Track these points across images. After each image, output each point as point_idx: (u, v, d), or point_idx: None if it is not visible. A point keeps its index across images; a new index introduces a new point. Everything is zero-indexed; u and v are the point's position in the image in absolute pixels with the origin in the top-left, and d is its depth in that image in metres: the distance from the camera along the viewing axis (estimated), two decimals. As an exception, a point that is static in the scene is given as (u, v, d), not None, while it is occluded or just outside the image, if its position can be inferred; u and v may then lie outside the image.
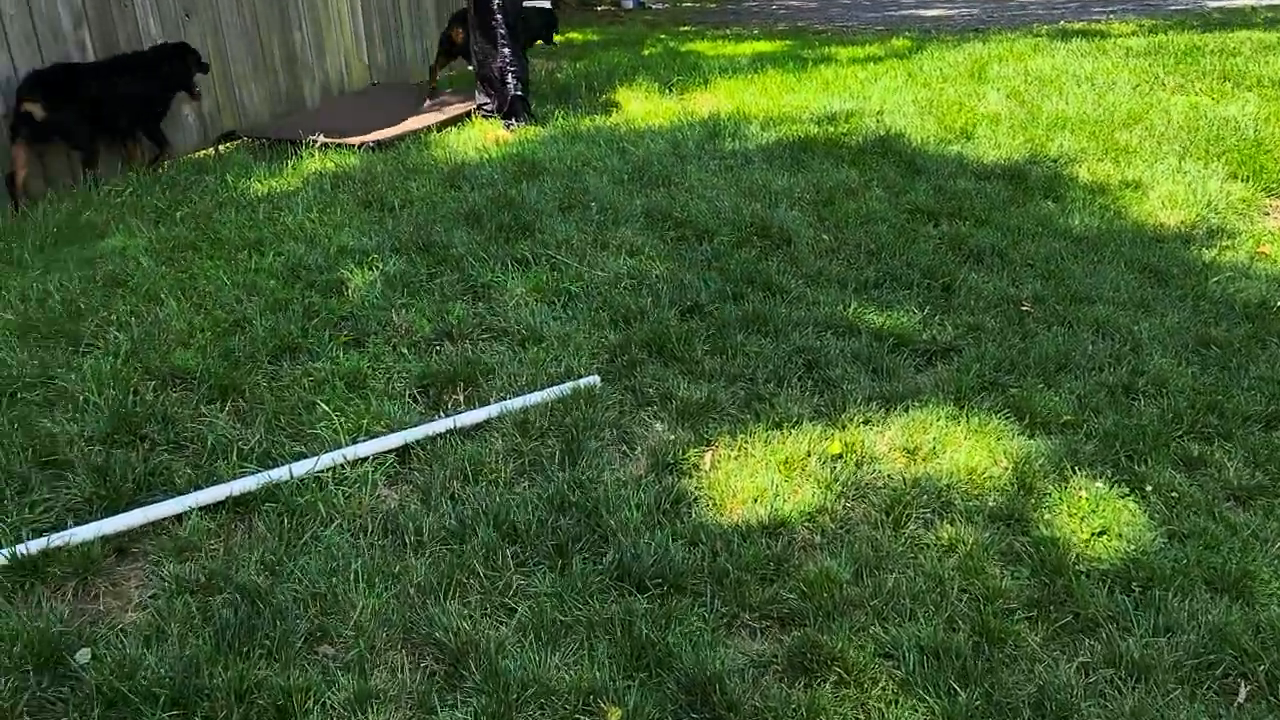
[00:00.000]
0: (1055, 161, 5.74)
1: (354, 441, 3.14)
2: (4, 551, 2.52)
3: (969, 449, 3.27)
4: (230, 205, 5.22)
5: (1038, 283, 4.38)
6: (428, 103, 7.89)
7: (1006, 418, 3.42)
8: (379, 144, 6.53)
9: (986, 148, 5.96)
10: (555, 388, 3.45)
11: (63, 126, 5.49)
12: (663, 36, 12.62)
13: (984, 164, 5.68)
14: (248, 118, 7.19)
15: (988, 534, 2.90)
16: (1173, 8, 13.10)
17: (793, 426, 3.33)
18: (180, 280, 4.17)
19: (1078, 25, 11.00)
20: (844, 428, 3.36)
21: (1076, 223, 4.97)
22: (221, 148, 6.82)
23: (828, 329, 3.94)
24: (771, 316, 3.96)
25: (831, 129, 6.41)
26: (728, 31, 13.06)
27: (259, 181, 5.66)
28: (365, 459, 3.06)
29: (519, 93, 7.06)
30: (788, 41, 11.27)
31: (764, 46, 10.75)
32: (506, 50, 6.97)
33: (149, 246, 4.59)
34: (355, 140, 6.55)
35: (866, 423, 3.40)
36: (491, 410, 3.32)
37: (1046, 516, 2.99)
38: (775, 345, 3.80)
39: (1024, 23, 12.44)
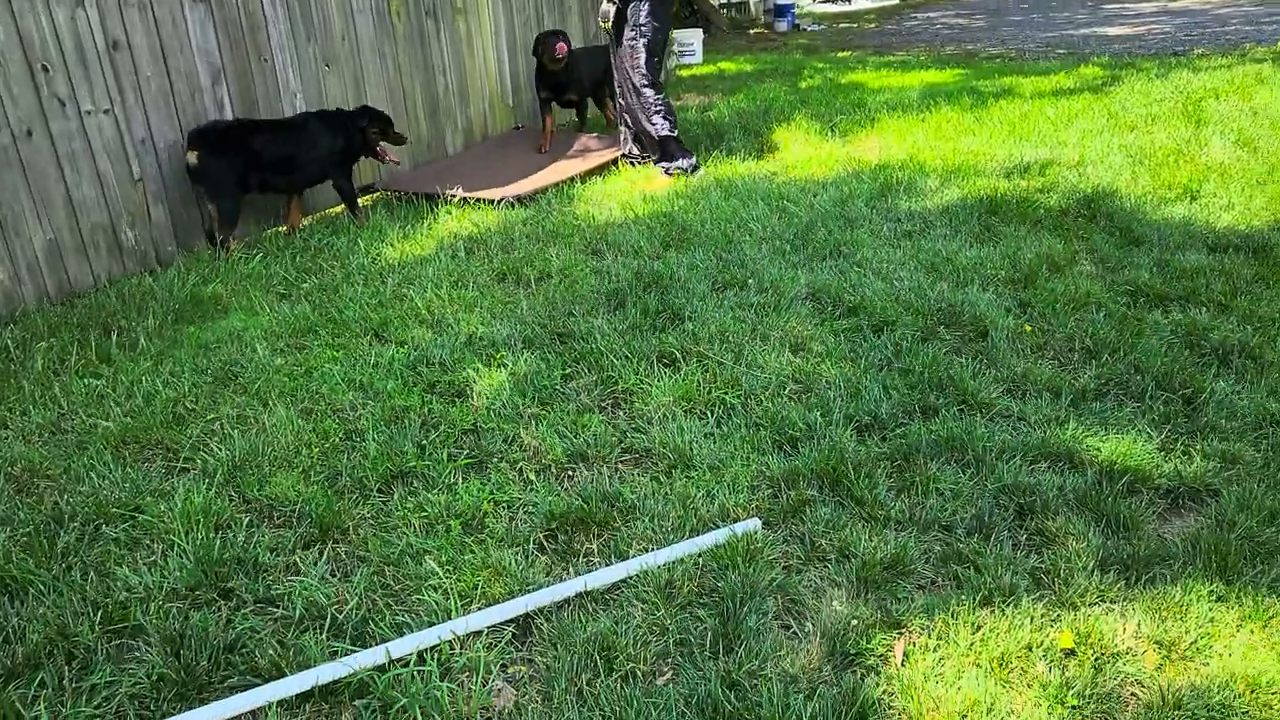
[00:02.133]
0: (1307, 227, 4.80)
1: (466, 605, 2.62)
2: (44, 769, 2.10)
3: (1245, 647, 2.50)
4: (358, 276, 4.85)
5: (1307, 396, 3.52)
6: (574, 148, 7.46)
7: (1292, 600, 2.63)
8: (519, 199, 6.11)
9: (1218, 210, 5.05)
10: (708, 536, 2.85)
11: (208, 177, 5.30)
12: (820, 65, 11.92)
13: (1216, 231, 4.79)
14: (388, 169, 6.90)
15: (1288, 789, 2.14)
16: None
17: (1006, 602, 2.63)
18: (294, 376, 3.78)
19: (1300, 47, 9.73)
20: (1074, 607, 2.63)
21: (1347, 310, 4.06)
22: (360, 201, 6.53)
23: (1041, 458, 3.21)
24: (970, 440, 3.25)
25: (1023, 184, 5.61)
26: (892, 58, 12.25)
27: (391, 246, 5.30)
28: (479, 633, 2.54)
29: (670, 133, 6.55)
30: (959, 70, 10.39)
31: (934, 76, 9.92)
32: (650, 91, 6.47)
33: (268, 329, 4.24)
34: (495, 194, 6.16)
35: (1101, 599, 2.66)
36: (630, 567, 2.74)
37: (1367, 763, 2.20)
38: (976, 481, 3.09)
39: (1230, 42, 11.17)
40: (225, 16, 5.58)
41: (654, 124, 6.51)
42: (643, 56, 6.42)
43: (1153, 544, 2.84)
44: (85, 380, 3.86)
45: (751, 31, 18.38)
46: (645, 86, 6.49)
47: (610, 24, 6.55)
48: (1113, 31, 14.18)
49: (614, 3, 6.41)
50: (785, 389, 3.58)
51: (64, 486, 3.13)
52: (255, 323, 4.35)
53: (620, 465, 3.22)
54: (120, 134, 5.04)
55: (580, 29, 9.30)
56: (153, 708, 2.33)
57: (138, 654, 2.46)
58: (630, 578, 2.72)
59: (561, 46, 7.10)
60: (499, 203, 6.05)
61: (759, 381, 3.61)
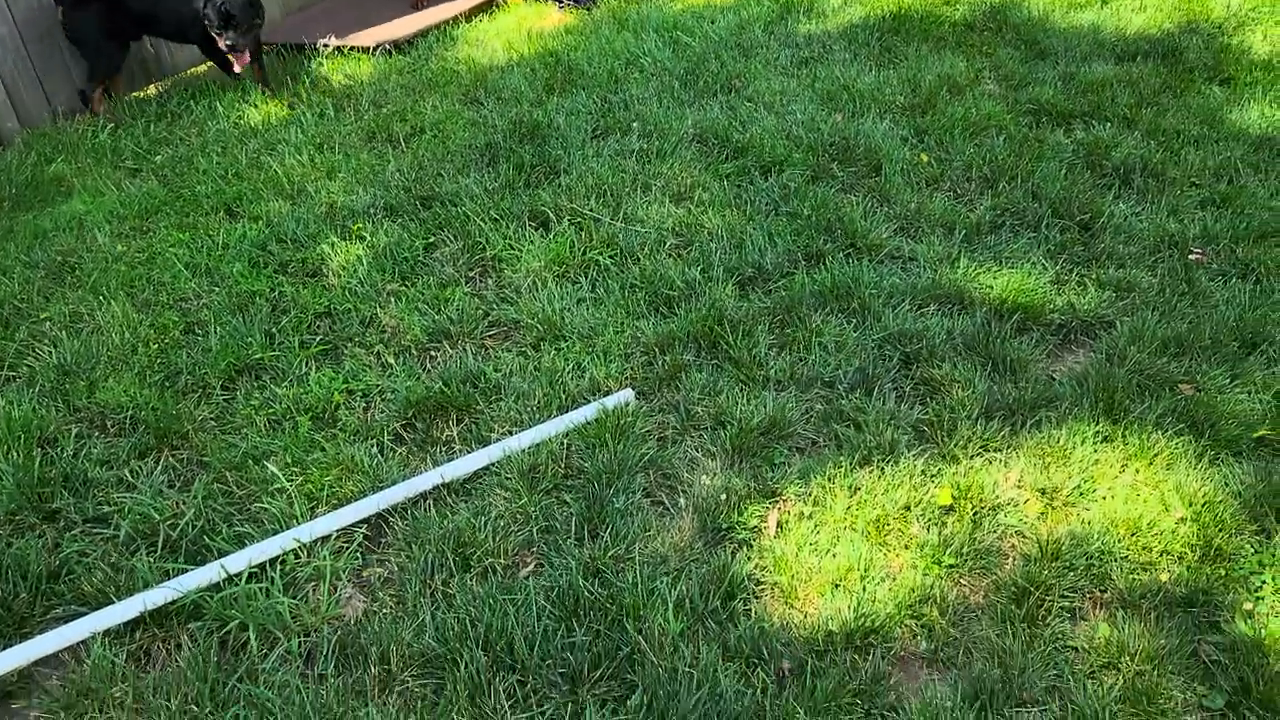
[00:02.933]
0: (1219, 28, 4.54)
1: (313, 509, 2.45)
2: None
3: (1129, 490, 2.42)
4: (215, 145, 4.45)
5: (1207, 214, 3.37)
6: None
7: (1180, 434, 2.54)
8: (396, 44, 5.63)
9: (1128, 13, 4.77)
10: (576, 412, 2.68)
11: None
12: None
13: (1126, 38, 4.52)
14: (256, 19, 6.32)
15: (1163, 633, 2.09)
16: None
17: (885, 460, 2.51)
18: (135, 264, 3.47)
19: None
20: (955, 460, 2.52)
21: (1254, 118, 3.87)
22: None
23: (930, 300, 3.05)
24: (857, 286, 3.07)
25: (929, -2, 5.26)
26: None
27: (254, 108, 4.87)
28: (327, 538, 2.37)
29: None
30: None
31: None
32: None
33: (112, 211, 3.88)
34: (370, 40, 5.66)
35: (985, 449, 2.56)
36: (492, 452, 2.57)
37: (1246, 601, 2.15)
38: (862, 330, 2.93)
39: None
40: None
41: None
42: None
43: (1040, 386, 2.72)
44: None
45: None
46: None
47: None
48: None
49: None
50: (665, 244, 3.34)
51: None
52: (99, 205, 3.97)
53: (486, 341, 3.00)
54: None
55: None
56: (-32, 647, 2.15)
57: (-51, 591, 2.26)
58: (492, 465, 2.55)
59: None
60: (374, 50, 5.56)
61: (637, 238, 3.37)
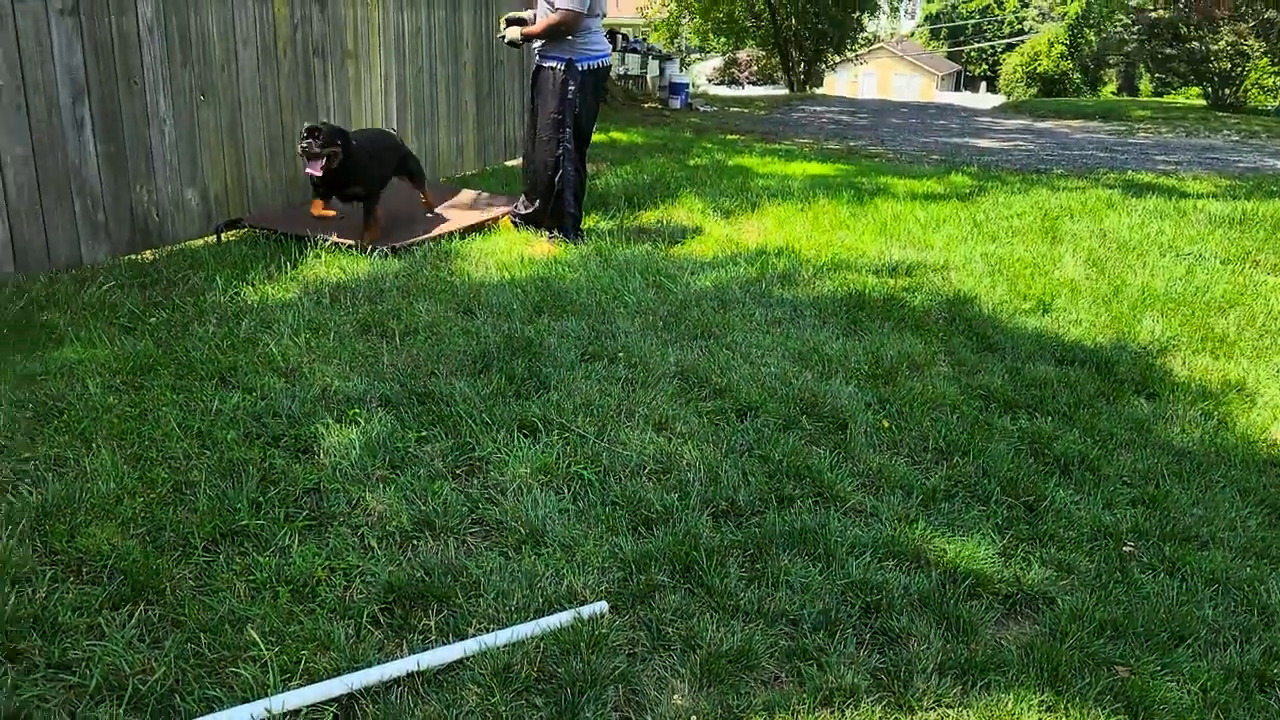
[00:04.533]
0: (1145, 349, 5.07)
1: (287, 681, 2.44)
2: None
3: (1072, 761, 2.54)
4: (211, 315, 4.62)
5: (1138, 511, 3.67)
6: (459, 202, 7.36)
7: (1117, 713, 2.69)
8: (394, 249, 5.96)
9: (1067, 324, 5.31)
10: (553, 618, 2.75)
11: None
12: (710, 145, 12.21)
13: (1065, 344, 5.02)
14: (257, 204, 6.66)
15: None
16: (1241, 165, 12.60)
17: (846, 703, 2.61)
18: (126, 417, 3.53)
19: (1147, 177, 10.46)
20: (911, 711, 2.63)
21: (1176, 432, 4.28)
22: (225, 236, 6.27)
23: (890, 556, 3.24)
24: (823, 533, 3.26)
25: (891, 282, 5.79)
26: (778, 146, 12.66)
27: (251, 286, 5.08)
28: (296, 712, 2.36)
29: (573, 210, 6.49)
30: (841, 165, 10.79)
31: (817, 169, 10.27)
32: (569, 166, 6.38)
33: (104, 364, 3.97)
34: (369, 242, 5.99)
35: (939, 703, 2.67)
36: (468, 646, 2.61)
37: None
38: (826, 575, 3.09)
39: (1086, 165, 11.96)
40: (95, 33, 5.31)
41: (565, 199, 6.45)
42: (569, 131, 6.31)
43: (990, 649, 2.88)
44: (-113, 404, 3.52)
45: (645, 105, 18.75)
46: (566, 162, 6.38)
47: (532, 86, 6.44)
48: (983, 144, 15.01)
49: (548, 64, 6.25)
50: (646, 468, 3.53)
51: None
52: (91, 355, 4.06)
53: (469, 537, 3.10)
54: (-36, 142, 4.71)
55: (475, 85, 9.27)
56: (-91, 786, 2.07)
57: (-101, 722, 2.19)
58: (467, 658, 2.59)
59: (314, 167, 5.74)
60: (372, 251, 5.88)
61: (619, 458, 3.55)
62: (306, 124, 5.85)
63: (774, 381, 4.27)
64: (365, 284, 5.21)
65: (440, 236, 6.40)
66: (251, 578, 2.77)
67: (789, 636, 2.85)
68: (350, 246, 5.89)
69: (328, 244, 5.90)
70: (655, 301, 5.17)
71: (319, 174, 5.73)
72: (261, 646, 2.50)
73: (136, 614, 2.60)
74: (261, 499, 3.11)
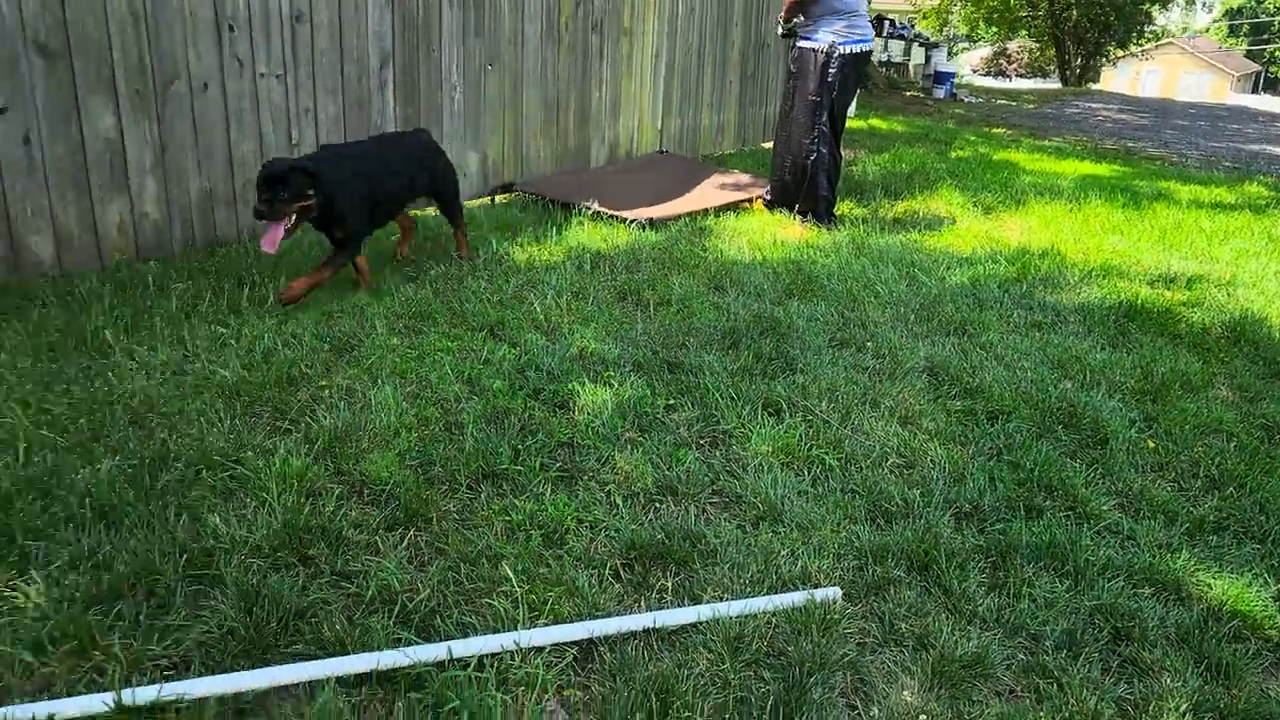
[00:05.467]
0: None
1: (534, 618, 2.61)
2: (109, 696, 2.15)
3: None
4: (483, 271, 4.94)
5: None
6: (714, 181, 7.48)
7: (1401, 790, 2.43)
8: (652, 221, 6.14)
9: (1377, 356, 4.76)
10: (785, 596, 2.79)
11: None
12: (973, 138, 11.72)
13: (1373, 378, 4.50)
14: (529, 171, 7.03)
15: None
16: None
17: (1086, 727, 2.49)
18: (406, 358, 3.86)
19: None
20: (1158, 749, 2.49)
21: None
22: (497, 199, 6.67)
23: (1146, 583, 3.05)
24: (1073, 549, 3.11)
25: (1168, 295, 5.38)
26: (1047, 143, 11.97)
27: (520, 248, 5.38)
28: (540, 649, 2.52)
29: (827, 193, 6.47)
30: (1117, 166, 10.08)
31: (1090, 168, 9.64)
32: (824, 149, 6.38)
33: (389, 308, 4.34)
34: (629, 214, 6.20)
35: (1190, 746, 2.51)
36: (702, 611, 2.70)
37: None
38: (1073, 594, 2.95)
39: None
40: (404, 4, 5.77)
41: (818, 182, 6.44)
42: (826, 115, 6.32)
43: (1254, 699, 2.67)
44: (212, 327, 4.00)
45: (908, 94, 18.21)
46: (821, 144, 6.39)
47: (793, 70, 6.49)
48: (1285, 151, 13.57)
49: (810, 45, 6.32)
50: (887, 460, 3.48)
51: (174, 426, 3.24)
52: (380, 300, 4.45)
53: (709, 507, 3.18)
54: (287, 100, 5.25)
55: (740, 66, 9.33)
56: (218, 658, 2.38)
57: (213, 603, 2.51)
58: (700, 623, 2.67)
59: (271, 237, 4.10)
60: (631, 222, 6.09)
61: (862, 447, 3.53)
62: (263, 167, 4.16)
63: (1029, 387, 4.09)
64: (624, 254, 5.40)
65: (695, 213, 6.52)
66: (508, 518, 2.97)
67: (1028, 651, 2.75)
68: (612, 216, 6.12)
69: (590, 212, 6.15)
70: (908, 293, 5.06)
71: (273, 249, 4.09)
72: (514, 582, 2.68)
73: (407, 538, 2.86)
74: (520, 447, 3.31)
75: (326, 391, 3.56)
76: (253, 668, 2.36)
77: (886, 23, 20.34)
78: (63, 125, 4.36)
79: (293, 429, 3.31)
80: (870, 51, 6.57)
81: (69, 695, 2.19)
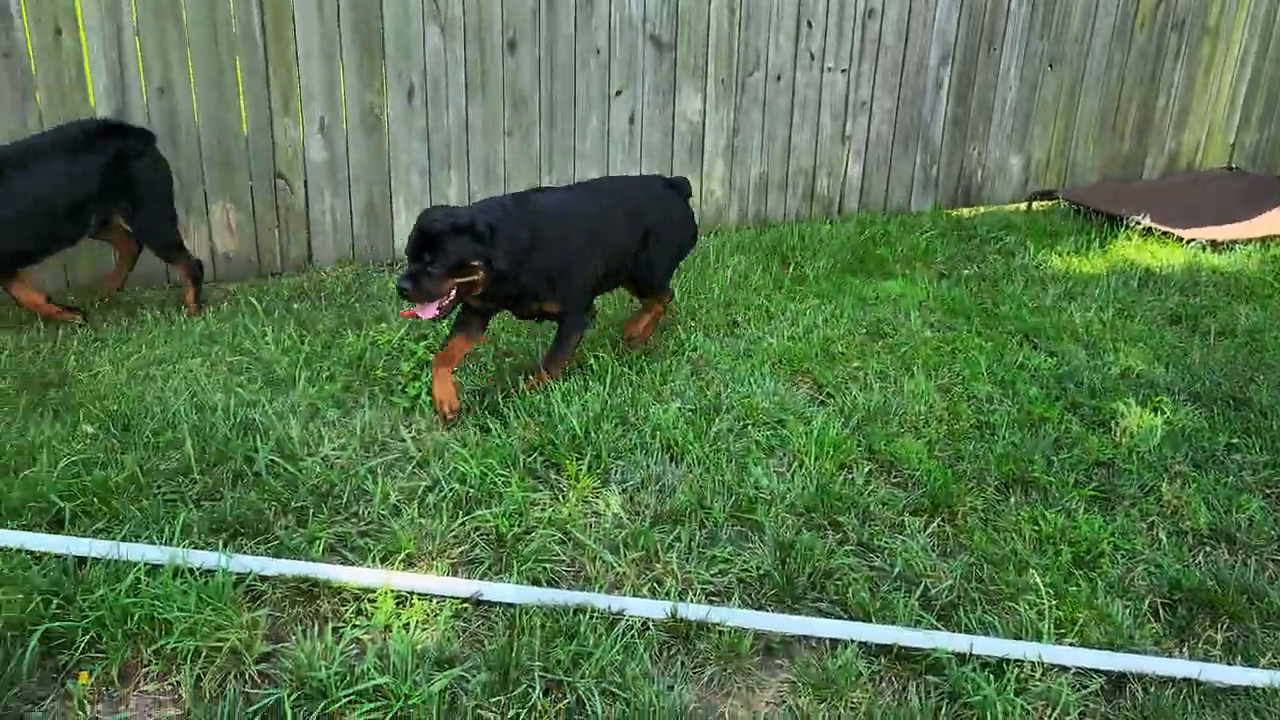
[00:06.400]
0: None
1: (1060, 636, 2.51)
2: (668, 605, 2.45)
3: None
4: (1019, 276, 4.78)
5: None
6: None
7: None
8: (1215, 243, 5.52)
9: None
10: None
11: None
12: None
13: None
14: (1074, 178, 6.64)
15: None
16: None
17: None
18: (939, 352, 3.87)
19: None
20: None
21: None
22: (1035, 205, 6.40)
23: None
24: None
25: None
26: None
27: (1059, 256, 5.13)
28: (1065, 669, 2.42)
29: None
30: None
31: None
32: None
33: (923, 302, 4.38)
34: (1187, 233, 5.62)
35: None
36: (1256, 676, 2.41)
37: None
38: None
39: None
40: (973, 1, 5.72)
41: None
42: None
43: None
44: (760, 296, 4.33)
45: None
46: None
47: None
48: None
49: None
50: None
51: (728, 382, 3.56)
52: (913, 292, 4.51)
53: (1271, 563, 2.82)
54: (847, 93, 5.48)
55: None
56: (754, 596, 2.59)
57: (752, 546, 2.74)
58: (1256, 689, 2.39)
59: (427, 310, 3.12)
60: (1189, 242, 5.51)
61: None
62: (418, 221, 3.14)
63: None
64: (1179, 275, 4.93)
65: (1270, 239, 5.74)
66: (1037, 528, 2.87)
67: None
68: (1165, 233, 5.60)
69: (1140, 226, 5.68)
70: None
71: (435, 315, 3.13)
72: (1042, 593, 2.59)
73: (931, 526, 2.88)
74: (1054, 458, 3.18)
75: (861, 373, 3.69)
76: (781, 613, 2.54)
77: None
78: (661, 109, 4.95)
79: (828, 402, 3.49)
80: None
81: (635, 596, 2.53)
